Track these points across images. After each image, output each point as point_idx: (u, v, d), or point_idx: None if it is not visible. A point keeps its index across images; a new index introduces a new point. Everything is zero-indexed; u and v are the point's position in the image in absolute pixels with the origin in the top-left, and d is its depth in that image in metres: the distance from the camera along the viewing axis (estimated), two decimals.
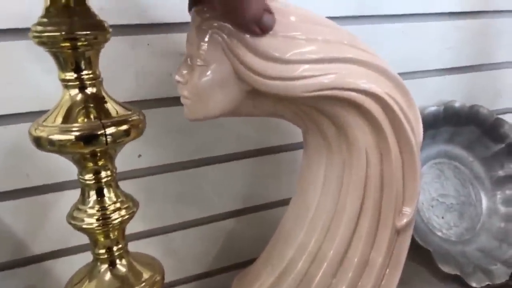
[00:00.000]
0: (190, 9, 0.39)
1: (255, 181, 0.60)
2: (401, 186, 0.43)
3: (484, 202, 0.74)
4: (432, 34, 0.67)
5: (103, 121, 0.34)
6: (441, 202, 0.72)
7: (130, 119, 0.36)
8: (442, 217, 0.71)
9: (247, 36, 0.34)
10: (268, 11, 0.34)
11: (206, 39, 0.36)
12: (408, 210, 0.43)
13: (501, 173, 0.74)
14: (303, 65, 0.35)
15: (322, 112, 0.39)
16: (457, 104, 0.70)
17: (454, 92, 0.72)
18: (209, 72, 0.37)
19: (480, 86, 0.74)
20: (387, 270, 0.45)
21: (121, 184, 0.52)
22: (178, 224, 0.58)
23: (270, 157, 0.60)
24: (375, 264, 0.44)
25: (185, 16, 0.49)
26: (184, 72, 0.38)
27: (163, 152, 0.54)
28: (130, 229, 0.54)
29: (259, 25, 0.33)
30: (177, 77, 0.39)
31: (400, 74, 0.66)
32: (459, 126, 0.72)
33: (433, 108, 0.68)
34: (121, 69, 0.49)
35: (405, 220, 0.43)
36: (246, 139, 0.58)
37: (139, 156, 0.53)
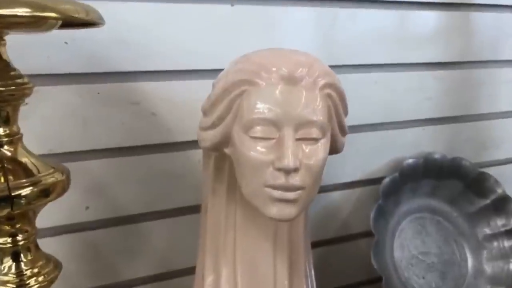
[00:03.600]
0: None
1: None
2: None
3: (470, 261, 0.69)
4: (409, 84, 0.65)
5: (13, 182, 0.31)
6: (421, 260, 0.67)
7: (48, 179, 0.33)
8: (423, 277, 0.66)
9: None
10: None
11: (321, 106, 0.32)
12: None
13: (487, 230, 0.69)
14: None
15: None
16: (437, 156, 0.67)
17: (434, 143, 0.69)
18: (327, 144, 0.33)
19: (462, 137, 0.71)
20: None
21: (66, 238, 0.50)
22: (130, 280, 0.54)
23: None
24: None
25: (137, 65, 0.49)
26: (300, 153, 0.31)
27: (113, 204, 0.51)
28: (74, 286, 0.51)
29: None
30: (293, 164, 0.30)
31: (375, 124, 0.66)
32: (440, 179, 0.68)
33: (411, 160, 0.65)
34: (69, 118, 0.47)
35: None
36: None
37: (87, 208, 0.50)
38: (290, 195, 0.31)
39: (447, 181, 0.68)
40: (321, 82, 0.31)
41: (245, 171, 0.33)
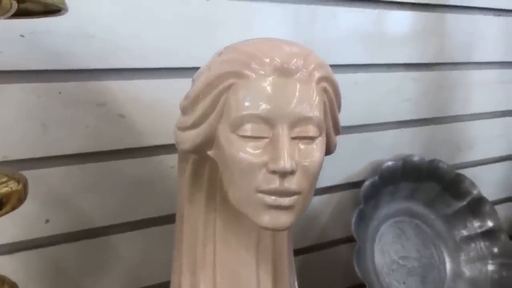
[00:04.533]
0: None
1: None
2: None
3: (448, 264, 0.68)
4: (388, 85, 0.64)
5: None
6: (402, 265, 0.66)
7: (0, 190, 0.28)
8: (404, 282, 0.65)
9: None
10: None
11: (317, 101, 0.29)
12: None
13: (464, 232, 0.69)
14: None
15: None
16: (416, 159, 0.66)
17: (412, 145, 0.68)
18: (323, 143, 0.30)
19: (438, 139, 0.71)
20: None
21: (25, 255, 0.45)
22: None
23: None
24: None
25: (103, 62, 0.45)
26: (296, 154, 0.28)
27: (76, 217, 0.46)
28: None
29: None
30: (290, 165, 0.27)
31: (355, 126, 0.64)
32: (419, 182, 0.67)
33: (390, 163, 0.64)
34: (25, 121, 0.42)
35: None
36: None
37: (47, 221, 0.45)
38: (285, 201, 0.28)
39: (425, 183, 0.68)
40: (317, 75, 0.29)
41: (233, 175, 0.29)
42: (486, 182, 0.74)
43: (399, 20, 0.63)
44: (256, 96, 0.27)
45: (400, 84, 0.65)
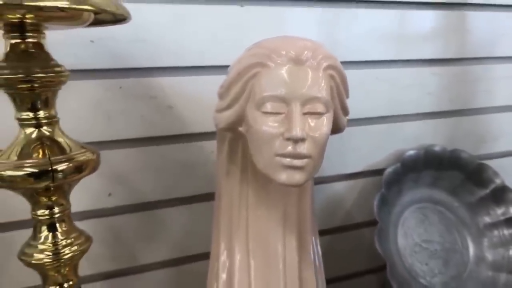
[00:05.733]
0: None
1: None
2: None
3: (471, 249, 0.72)
4: (409, 79, 0.68)
5: (52, 158, 0.35)
6: (424, 248, 0.70)
7: (81, 157, 0.37)
8: (426, 264, 0.69)
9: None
10: None
11: (324, 84, 0.36)
12: None
13: (487, 219, 0.72)
14: None
15: None
16: (437, 148, 0.70)
17: (434, 136, 0.72)
18: (330, 119, 0.37)
19: (461, 131, 0.74)
20: None
21: (90, 222, 0.54)
22: (149, 265, 0.58)
23: None
24: None
25: (155, 62, 0.53)
26: (306, 126, 0.35)
27: (134, 192, 0.55)
28: (99, 268, 0.54)
29: None
30: (301, 133, 0.34)
31: (377, 117, 0.69)
32: (441, 170, 0.71)
33: (412, 152, 0.68)
34: (93, 111, 0.51)
35: None
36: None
37: (109, 195, 0.54)
38: (298, 162, 0.34)
39: (448, 172, 0.71)
40: (324, 64, 0.35)
41: (257, 144, 0.36)
42: (511, 173, 0.76)
43: (420, 19, 0.67)
44: (275, 80, 0.34)
45: (422, 79, 0.69)
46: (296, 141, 0.34)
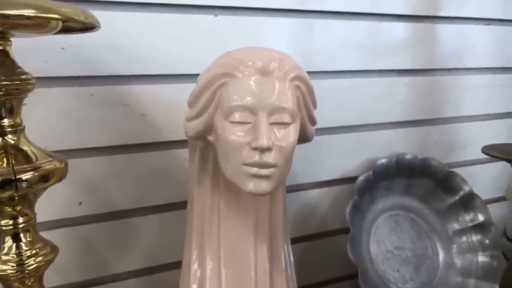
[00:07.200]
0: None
1: None
2: None
3: (441, 255, 0.73)
4: (381, 89, 0.70)
5: (16, 167, 0.34)
6: (396, 254, 0.71)
7: (47, 166, 0.36)
8: (398, 270, 0.70)
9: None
10: None
11: (290, 95, 0.36)
12: None
13: (456, 226, 0.74)
14: None
15: None
16: (408, 156, 0.71)
17: (406, 145, 0.74)
18: (296, 129, 0.37)
19: (432, 139, 0.76)
20: None
21: (60, 232, 0.53)
22: (120, 274, 0.57)
23: None
24: None
25: (127, 69, 0.53)
26: (272, 136, 0.35)
27: (105, 200, 0.54)
28: (69, 278, 0.53)
29: None
30: (267, 143, 0.34)
31: (350, 126, 0.70)
32: (412, 178, 0.73)
33: (384, 160, 0.69)
34: (64, 118, 0.51)
35: None
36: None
37: (80, 203, 0.53)
38: (265, 171, 0.35)
39: (419, 179, 0.73)
40: (291, 74, 0.36)
41: (225, 153, 0.37)
42: (479, 181, 0.78)
43: (392, 31, 0.68)
44: (243, 91, 0.35)
45: (394, 88, 0.71)
46: (263, 150, 0.34)
